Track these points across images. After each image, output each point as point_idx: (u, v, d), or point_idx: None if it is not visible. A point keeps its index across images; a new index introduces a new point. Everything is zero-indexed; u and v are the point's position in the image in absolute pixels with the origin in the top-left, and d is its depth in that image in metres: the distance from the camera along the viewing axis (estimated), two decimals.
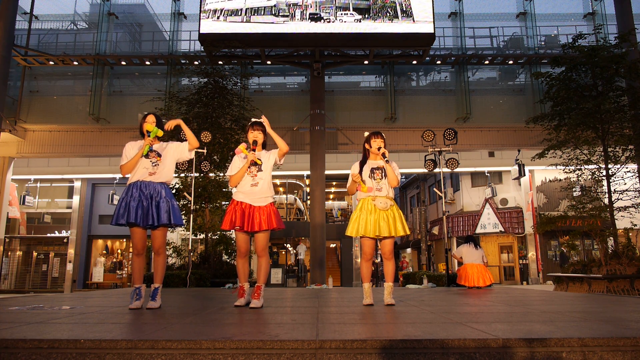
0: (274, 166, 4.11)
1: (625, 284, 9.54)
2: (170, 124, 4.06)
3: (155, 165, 3.93)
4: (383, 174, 4.17)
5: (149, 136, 3.95)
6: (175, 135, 10.24)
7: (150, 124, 3.99)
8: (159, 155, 3.98)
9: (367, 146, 4.30)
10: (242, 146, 4.00)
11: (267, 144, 4.20)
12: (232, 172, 3.99)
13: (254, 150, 3.94)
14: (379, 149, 4.18)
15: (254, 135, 4.01)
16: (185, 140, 4.08)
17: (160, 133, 3.99)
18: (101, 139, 16.81)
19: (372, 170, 4.20)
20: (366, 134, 4.36)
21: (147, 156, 3.94)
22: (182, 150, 4.06)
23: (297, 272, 19.74)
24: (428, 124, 14.72)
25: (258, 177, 3.93)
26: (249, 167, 3.94)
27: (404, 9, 15.07)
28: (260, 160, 3.97)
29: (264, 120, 4.08)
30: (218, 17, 15.07)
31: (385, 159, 4.14)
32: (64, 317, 3.27)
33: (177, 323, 2.96)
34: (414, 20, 15.03)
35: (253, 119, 4.13)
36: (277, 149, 4.07)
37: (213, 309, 4.02)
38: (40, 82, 17.38)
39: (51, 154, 17.24)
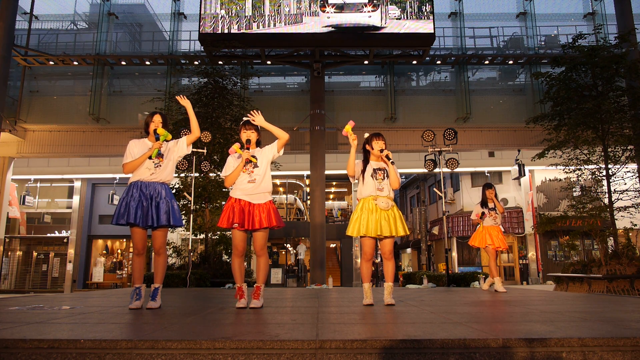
0: (274, 158, 4.07)
1: (625, 284, 9.53)
2: (183, 102, 4.19)
3: (158, 166, 3.94)
4: (385, 174, 4.19)
5: (157, 139, 3.93)
6: (175, 135, 10.25)
7: (157, 124, 3.98)
8: (162, 156, 4.00)
9: (367, 147, 4.30)
10: (236, 146, 3.98)
11: (262, 143, 4.17)
12: (227, 173, 3.98)
13: (247, 149, 3.92)
14: (381, 150, 4.19)
15: (247, 135, 3.98)
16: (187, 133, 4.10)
17: (169, 137, 3.99)
18: (101, 139, 16.81)
19: (375, 170, 4.21)
20: (366, 135, 4.36)
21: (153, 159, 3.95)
22: (181, 147, 4.09)
23: (297, 272, 19.75)
24: (428, 124, 14.71)
25: (255, 174, 3.91)
26: (244, 165, 3.93)
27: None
28: (255, 158, 3.95)
29: (253, 117, 4.01)
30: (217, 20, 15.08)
31: (390, 160, 4.18)
32: (64, 317, 3.27)
33: (177, 323, 2.96)
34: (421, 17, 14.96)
35: (245, 118, 4.09)
36: (275, 141, 4.04)
37: (213, 309, 4.01)
38: (40, 82, 17.38)
39: (51, 154, 17.25)
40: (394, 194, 4.32)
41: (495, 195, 6.77)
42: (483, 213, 6.69)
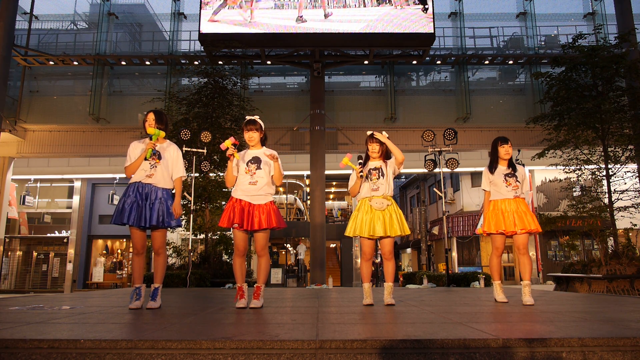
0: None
1: (625, 284, 9.54)
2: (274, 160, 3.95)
3: (153, 167, 3.92)
4: (380, 174, 4.18)
5: (150, 139, 3.92)
6: (175, 135, 10.24)
7: (150, 122, 3.96)
8: (159, 157, 3.97)
9: (366, 147, 4.32)
10: (228, 142, 3.94)
11: (267, 141, 4.19)
12: (226, 173, 4.07)
13: (235, 145, 3.92)
14: (374, 137, 4.24)
15: (249, 135, 3.98)
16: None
17: (162, 134, 3.97)
18: (101, 139, 16.81)
19: (370, 170, 4.22)
20: (369, 133, 4.36)
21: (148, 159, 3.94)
22: (174, 172, 4.04)
23: (297, 272, 19.74)
24: (428, 124, 14.71)
25: (257, 176, 3.91)
26: (246, 166, 3.93)
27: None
28: (237, 151, 3.93)
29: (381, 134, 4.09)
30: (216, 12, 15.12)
31: (385, 135, 4.24)
32: (64, 317, 3.27)
33: (177, 323, 2.96)
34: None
35: (247, 117, 4.08)
36: (276, 157, 4.01)
37: (213, 309, 4.01)
38: (40, 82, 17.38)
39: (51, 154, 17.25)
40: (392, 192, 4.29)
41: (512, 157, 4.55)
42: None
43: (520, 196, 4.40)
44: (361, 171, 4.14)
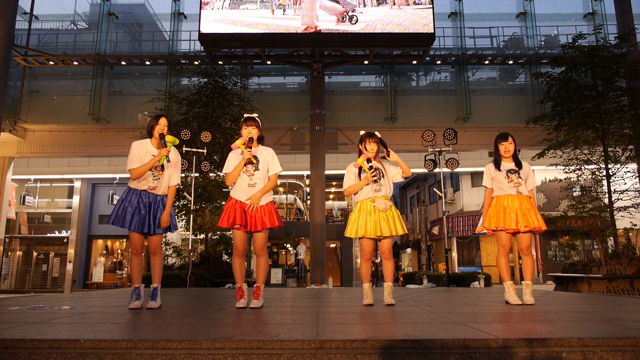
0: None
1: (625, 284, 9.54)
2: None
3: (157, 179, 3.92)
4: (381, 174, 4.16)
5: (165, 146, 3.90)
6: (175, 135, 10.24)
7: (162, 127, 3.91)
8: (163, 168, 3.95)
9: (361, 147, 4.24)
10: (239, 141, 3.93)
11: (264, 139, 4.17)
12: (228, 170, 3.96)
13: (250, 148, 3.87)
14: (388, 154, 4.21)
15: (248, 131, 3.93)
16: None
17: (176, 142, 3.98)
18: (101, 139, 16.81)
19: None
20: (362, 132, 4.31)
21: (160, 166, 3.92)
22: (171, 179, 4.02)
23: (297, 272, 19.76)
24: (428, 124, 14.72)
25: (255, 177, 3.90)
26: (245, 166, 3.91)
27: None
28: (255, 159, 3.92)
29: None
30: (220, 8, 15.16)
31: (389, 155, 4.20)
32: (64, 317, 3.27)
33: (177, 323, 2.96)
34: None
35: (246, 114, 4.06)
36: (273, 153, 4.04)
37: (213, 309, 4.01)
38: (40, 82, 17.39)
39: (51, 154, 17.25)
40: (393, 192, 4.31)
41: (517, 152, 4.46)
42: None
43: (524, 193, 4.27)
44: (374, 175, 4.09)
